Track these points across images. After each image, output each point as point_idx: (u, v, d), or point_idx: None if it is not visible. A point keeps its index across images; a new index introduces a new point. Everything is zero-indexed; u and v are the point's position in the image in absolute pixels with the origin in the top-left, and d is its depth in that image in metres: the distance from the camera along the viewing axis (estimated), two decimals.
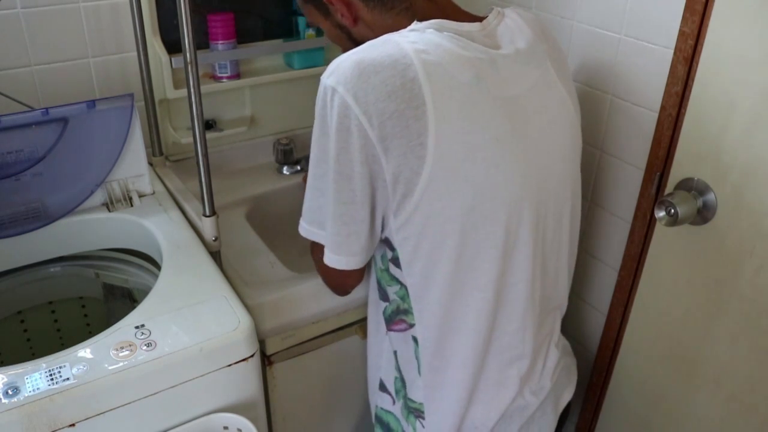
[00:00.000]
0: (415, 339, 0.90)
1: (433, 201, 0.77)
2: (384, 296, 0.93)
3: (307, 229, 0.87)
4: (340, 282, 0.92)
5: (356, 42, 0.86)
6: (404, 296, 0.88)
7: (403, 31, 0.79)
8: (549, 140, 0.85)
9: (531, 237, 0.85)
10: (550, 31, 0.93)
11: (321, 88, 0.77)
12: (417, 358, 0.91)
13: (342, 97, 0.74)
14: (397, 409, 0.99)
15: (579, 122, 0.92)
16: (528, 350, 0.92)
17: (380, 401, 1.01)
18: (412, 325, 0.89)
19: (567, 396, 1.02)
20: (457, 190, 0.77)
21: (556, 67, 0.88)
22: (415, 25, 0.80)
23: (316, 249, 0.89)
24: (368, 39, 0.82)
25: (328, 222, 0.82)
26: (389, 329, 0.94)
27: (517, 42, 0.84)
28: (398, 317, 0.91)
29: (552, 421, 0.98)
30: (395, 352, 0.95)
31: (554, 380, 0.98)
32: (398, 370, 0.96)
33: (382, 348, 0.97)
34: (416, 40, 0.76)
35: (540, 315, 0.93)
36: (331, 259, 0.84)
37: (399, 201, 0.78)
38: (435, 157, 0.75)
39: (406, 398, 0.96)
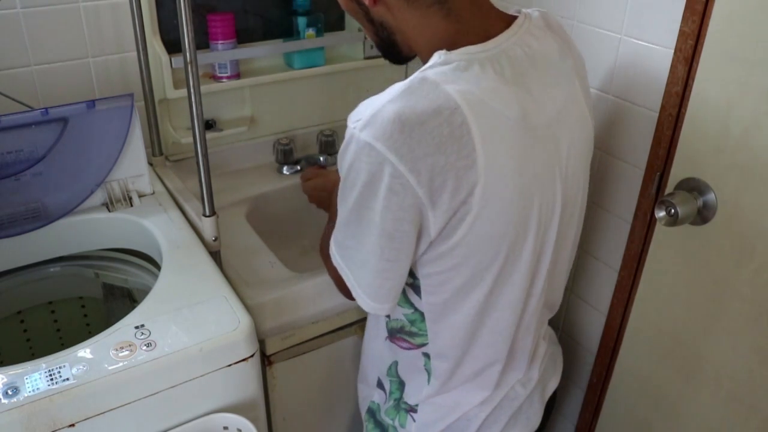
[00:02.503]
0: (426, 355, 0.89)
1: (473, 243, 0.74)
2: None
3: (339, 263, 0.81)
4: (347, 291, 0.89)
5: (373, 22, 0.81)
6: (415, 321, 0.86)
7: (436, 67, 0.71)
8: (572, 160, 0.83)
9: (551, 256, 0.84)
10: (571, 38, 0.89)
11: (352, 142, 0.70)
12: (427, 370, 0.90)
13: (382, 155, 0.67)
14: (386, 405, 0.99)
15: (593, 135, 0.91)
16: (529, 349, 0.93)
17: (377, 397, 1.02)
18: (421, 345, 0.88)
19: (553, 385, 1.03)
20: (499, 233, 0.75)
21: (581, 82, 0.85)
22: (444, 56, 0.72)
23: (328, 250, 0.87)
24: (387, 23, 0.78)
25: (366, 273, 0.77)
26: (390, 340, 0.93)
27: (546, 58, 0.79)
28: (400, 335, 0.90)
29: (539, 410, 0.99)
30: (396, 362, 0.94)
31: (541, 371, 0.99)
32: (397, 376, 0.95)
33: (382, 352, 0.97)
34: (454, 78, 0.69)
35: (543, 316, 0.94)
36: (368, 305, 0.80)
37: (435, 244, 0.74)
38: (481, 204, 0.71)
39: (399, 400, 0.96)
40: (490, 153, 0.69)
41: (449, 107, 0.67)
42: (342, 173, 0.74)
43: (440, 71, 0.70)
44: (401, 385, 0.95)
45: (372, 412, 1.03)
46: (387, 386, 0.98)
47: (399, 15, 0.77)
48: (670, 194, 1.00)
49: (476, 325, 0.84)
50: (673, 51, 0.98)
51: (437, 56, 0.72)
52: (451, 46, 0.73)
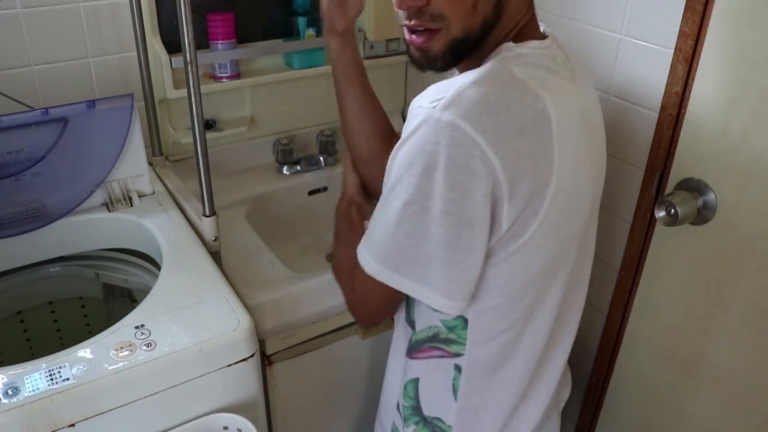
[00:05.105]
0: (458, 367, 0.84)
1: (541, 241, 0.72)
2: (411, 323, 0.87)
3: (377, 269, 0.74)
4: (378, 310, 0.84)
5: None
6: (455, 327, 0.82)
7: (510, 58, 0.71)
8: (598, 163, 0.83)
9: (589, 257, 0.84)
10: None
11: (429, 122, 0.66)
12: (454, 385, 0.85)
13: (467, 135, 0.64)
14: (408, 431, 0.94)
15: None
16: (561, 363, 0.91)
17: (398, 421, 0.97)
18: (456, 354, 0.83)
19: (566, 394, 1.02)
20: (563, 230, 0.74)
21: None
22: (514, 49, 0.72)
23: (351, 274, 0.80)
24: None
25: (436, 269, 0.71)
26: (413, 356, 0.88)
27: (577, 65, 0.80)
28: (429, 344, 0.85)
29: (556, 423, 0.98)
30: (417, 380, 0.89)
31: (558, 387, 0.96)
32: (415, 398, 0.90)
33: (398, 372, 0.93)
34: (528, 70, 0.70)
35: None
36: (441, 304, 0.73)
37: (504, 242, 0.71)
38: (553, 196, 0.69)
39: (430, 419, 0.90)
40: (563, 142, 0.69)
41: (532, 94, 0.68)
42: (402, 163, 0.69)
43: (515, 62, 0.70)
44: (419, 406, 0.90)
45: None
46: (401, 409, 0.93)
47: None
48: (670, 194, 1.00)
49: (518, 329, 0.80)
50: (673, 51, 0.98)
51: (507, 48, 0.72)
52: (520, 36, 0.74)
